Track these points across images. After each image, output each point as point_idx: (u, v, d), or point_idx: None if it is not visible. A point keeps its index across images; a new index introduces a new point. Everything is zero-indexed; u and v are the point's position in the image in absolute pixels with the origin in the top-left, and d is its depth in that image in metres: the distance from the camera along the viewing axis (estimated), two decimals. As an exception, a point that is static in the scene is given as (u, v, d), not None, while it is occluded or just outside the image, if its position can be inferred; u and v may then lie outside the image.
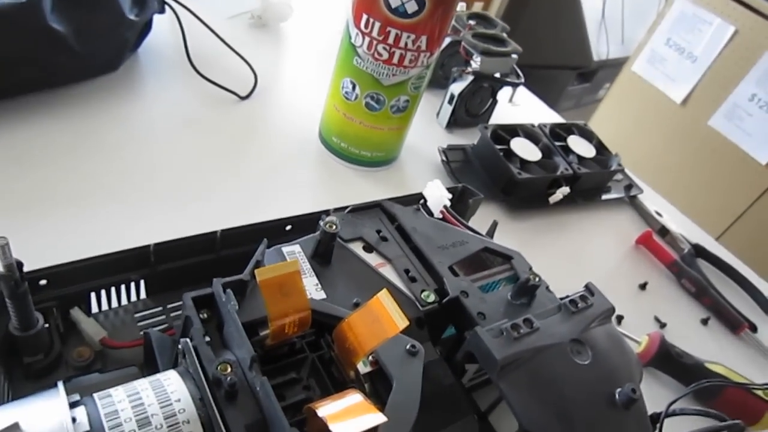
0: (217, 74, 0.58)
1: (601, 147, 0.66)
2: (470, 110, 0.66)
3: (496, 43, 0.63)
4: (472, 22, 0.68)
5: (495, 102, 0.68)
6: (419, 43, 0.47)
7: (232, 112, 0.57)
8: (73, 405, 0.22)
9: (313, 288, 0.32)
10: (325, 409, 0.23)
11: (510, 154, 0.59)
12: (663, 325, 0.53)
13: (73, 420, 0.22)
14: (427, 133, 0.64)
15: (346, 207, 0.38)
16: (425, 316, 0.33)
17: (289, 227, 0.39)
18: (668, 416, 0.33)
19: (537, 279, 0.35)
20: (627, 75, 1.62)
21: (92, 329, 0.32)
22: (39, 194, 0.42)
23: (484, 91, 0.65)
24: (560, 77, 2.05)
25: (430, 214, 0.42)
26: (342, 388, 0.27)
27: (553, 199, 0.59)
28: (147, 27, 0.56)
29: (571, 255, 0.57)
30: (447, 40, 0.65)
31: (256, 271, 0.25)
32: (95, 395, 0.23)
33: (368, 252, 0.36)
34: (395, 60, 0.48)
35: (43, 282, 0.31)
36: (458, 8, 0.50)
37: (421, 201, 0.43)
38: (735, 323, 0.56)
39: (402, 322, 0.25)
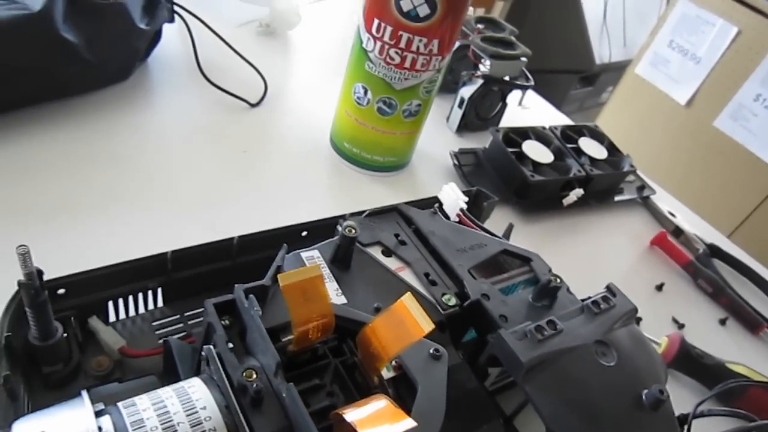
0: (227, 82, 0.58)
1: (612, 148, 0.66)
2: (480, 114, 0.66)
3: (504, 47, 0.63)
4: (480, 26, 0.68)
5: (505, 105, 0.67)
6: (431, 46, 0.47)
7: (243, 119, 0.57)
8: (98, 414, 0.22)
9: (333, 293, 0.31)
10: (353, 415, 0.22)
11: (522, 157, 0.59)
12: (681, 326, 0.52)
13: (99, 429, 0.21)
14: (438, 138, 0.64)
15: (363, 212, 0.38)
16: (446, 320, 0.33)
17: (305, 233, 0.38)
18: (695, 417, 0.32)
19: (558, 280, 0.34)
20: (630, 78, 1.62)
21: (111, 338, 0.31)
22: (54, 204, 0.42)
23: (493, 94, 0.65)
24: (563, 81, 2.05)
25: (447, 217, 0.41)
26: (366, 393, 0.26)
27: (566, 201, 0.58)
28: (157, 36, 0.56)
29: (587, 257, 0.56)
30: (456, 44, 0.65)
31: (278, 276, 0.25)
32: (119, 404, 0.23)
33: (387, 256, 0.36)
34: (407, 64, 0.47)
35: (61, 291, 0.30)
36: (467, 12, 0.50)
37: (437, 204, 0.42)
38: (753, 323, 0.55)
39: (428, 326, 0.25)
